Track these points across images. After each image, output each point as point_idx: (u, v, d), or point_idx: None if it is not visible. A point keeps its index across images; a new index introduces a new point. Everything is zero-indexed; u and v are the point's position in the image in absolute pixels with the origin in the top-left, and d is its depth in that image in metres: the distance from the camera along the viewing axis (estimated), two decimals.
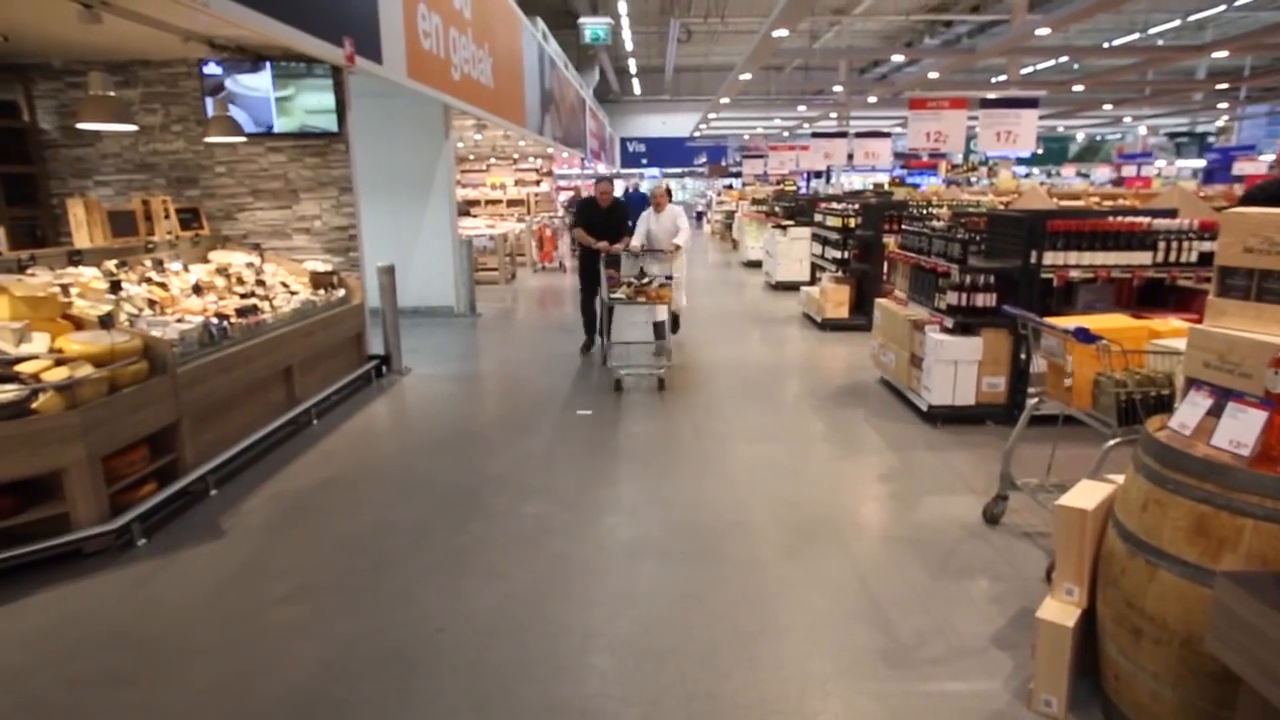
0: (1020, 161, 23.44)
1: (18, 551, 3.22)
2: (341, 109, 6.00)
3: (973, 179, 17.16)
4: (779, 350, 7.81)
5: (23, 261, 4.28)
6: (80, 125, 4.51)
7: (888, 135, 16.34)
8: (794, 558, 3.37)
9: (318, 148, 6.20)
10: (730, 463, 4.54)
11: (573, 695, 2.47)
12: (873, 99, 17.70)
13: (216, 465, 4.19)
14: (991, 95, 10.83)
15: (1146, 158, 24.15)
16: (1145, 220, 4.83)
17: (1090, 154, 33.36)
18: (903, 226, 6.44)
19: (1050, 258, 4.73)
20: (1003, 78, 14.37)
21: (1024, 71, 19.07)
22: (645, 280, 6.59)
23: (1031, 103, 10.56)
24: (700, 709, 2.39)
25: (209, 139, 5.59)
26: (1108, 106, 21.37)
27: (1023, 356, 4.90)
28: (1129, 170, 21.08)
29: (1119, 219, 4.88)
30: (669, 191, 7.45)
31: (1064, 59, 17.20)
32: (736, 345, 7.95)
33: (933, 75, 14.52)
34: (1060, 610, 2.19)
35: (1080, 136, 32.83)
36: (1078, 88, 16.96)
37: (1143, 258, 4.74)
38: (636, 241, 7.10)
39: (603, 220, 7.07)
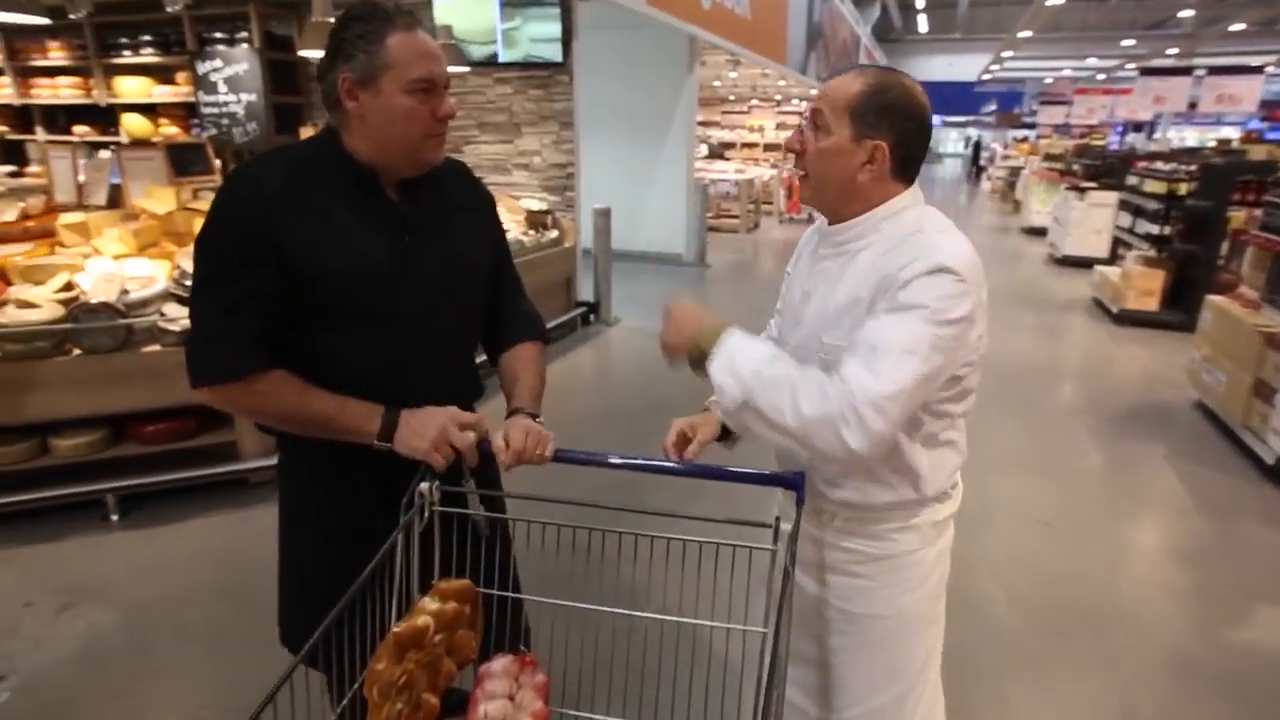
0: None
1: (195, 473, 3.30)
2: (567, 38, 5.61)
3: None
4: (1054, 344, 6.29)
5: None
6: (301, 52, 4.56)
7: (1259, 70, 12.59)
8: (1027, 663, 2.40)
9: (541, 79, 5.90)
10: (974, 495, 3.51)
11: None
12: (1238, 26, 13.88)
13: None
14: None
15: None
16: None
17: None
18: (1266, 197, 4.66)
19: None
20: None
21: None
22: None
23: None
24: None
25: None
26: None
27: None
28: None
29: None
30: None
31: None
32: (996, 332, 6.52)
33: None
34: None
35: None
36: None
37: None
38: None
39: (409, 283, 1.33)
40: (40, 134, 7.66)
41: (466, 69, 5.53)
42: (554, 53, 5.63)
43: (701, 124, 20.65)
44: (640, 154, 9.11)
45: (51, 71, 7.45)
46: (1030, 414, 4.60)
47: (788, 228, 13.34)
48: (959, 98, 29.89)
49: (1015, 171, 16.58)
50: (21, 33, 7.34)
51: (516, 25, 5.57)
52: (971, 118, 31.98)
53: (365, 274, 1.24)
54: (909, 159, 1.19)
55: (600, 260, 6.53)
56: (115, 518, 3.13)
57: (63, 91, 7.40)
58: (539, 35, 5.57)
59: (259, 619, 2.44)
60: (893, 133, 1.16)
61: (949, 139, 41.53)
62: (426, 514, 1.17)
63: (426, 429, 1.21)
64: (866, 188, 1.19)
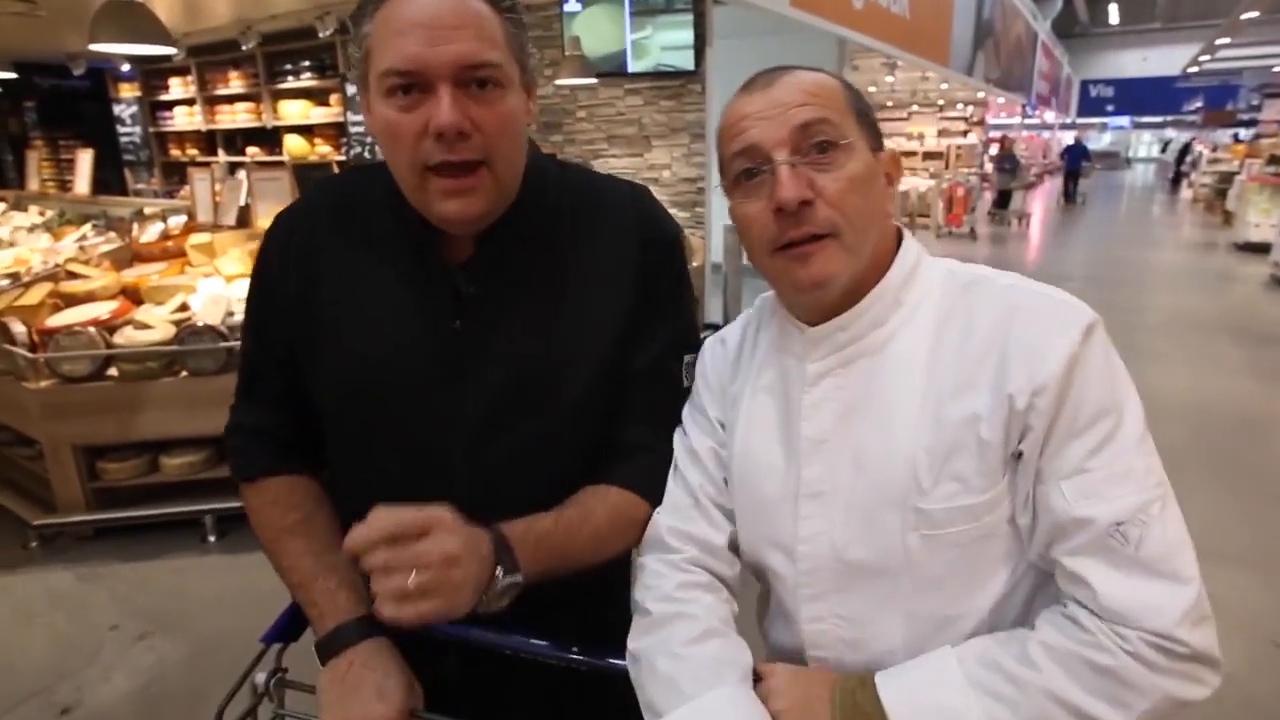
0: None
1: None
2: (700, 45, 5.29)
3: None
4: (1278, 391, 5.17)
5: None
6: None
7: None
8: None
9: (673, 89, 5.61)
10: None
11: None
12: None
13: None
14: None
15: None
16: None
17: None
18: None
19: None
20: None
21: None
22: None
23: None
24: None
25: (560, 81, 5.37)
26: None
27: None
28: None
29: None
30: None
31: None
32: (1197, 374, 5.47)
33: None
34: None
35: None
36: None
37: None
38: None
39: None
40: (221, 156, 8.36)
41: (594, 80, 5.34)
42: (685, 61, 5.32)
43: None
44: None
45: (231, 99, 8.11)
46: (1244, 484, 3.69)
47: (946, 243, 12.28)
48: (1155, 96, 26.72)
49: (1226, 177, 14.43)
50: (210, 65, 8.05)
51: (647, 35, 5.33)
52: (1170, 118, 28.45)
53: (375, 375, 0.84)
54: None
55: (731, 280, 6.12)
56: (212, 539, 3.14)
57: (239, 117, 8.04)
58: (670, 43, 5.30)
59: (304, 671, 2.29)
60: (880, 136, 0.79)
61: (1141, 142, 37.30)
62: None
63: (348, 703, 0.75)
64: (889, 230, 0.79)
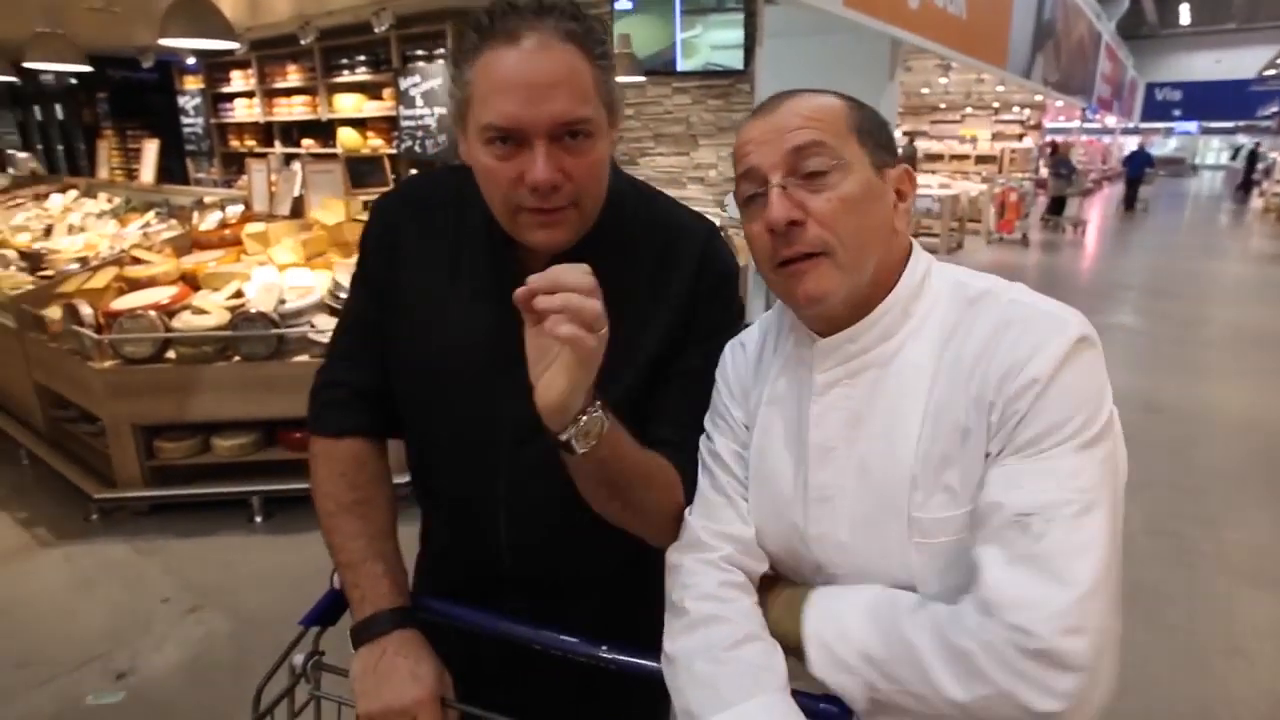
0: None
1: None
2: (750, 44, 5.26)
3: None
4: None
5: None
6: None
7: None
8: None
9: (721, 88, 5.60)
10: (1219, 616, 2.72)
11: None
12: None
13: None
14: None
15: None
16: None
17: None
18: None
19: None
20: None
21: None
22: None
23: None
24: None
25: None
26: None
27: None
28: None
29: None
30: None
31: None
32: (1261, 392, 5.25)
33: None
34: None
35: None
36: None
37: None
38: None
39: None
40: (278, 147, 8.60)
41: (642, 78, 5.36)
42: (734, 60, 5.30)
43: (907, 134, 19.36)
44: None
45: (289, 92, 8.34)
46: None
47: (997, 249, 12.01)
48: (1228, 100, 25.63)
49: None
50: (269, 59, 8.28)
51: (697, 33, 5.32)
52: (1243, 123, 27.27)
53: (436, 369, 0.92)
54: None
55: None
56: (259, 519, 3.24)
57: (296, 109, 8.27)
58: (719, 42, 5.28)
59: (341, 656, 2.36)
60: (894, 152, 0.80)
61: (1209, 148, 35.88)
62: (300, 703, 0.85)
63: (382, 689, 0.82)
64: (897, 245, 0.80)
